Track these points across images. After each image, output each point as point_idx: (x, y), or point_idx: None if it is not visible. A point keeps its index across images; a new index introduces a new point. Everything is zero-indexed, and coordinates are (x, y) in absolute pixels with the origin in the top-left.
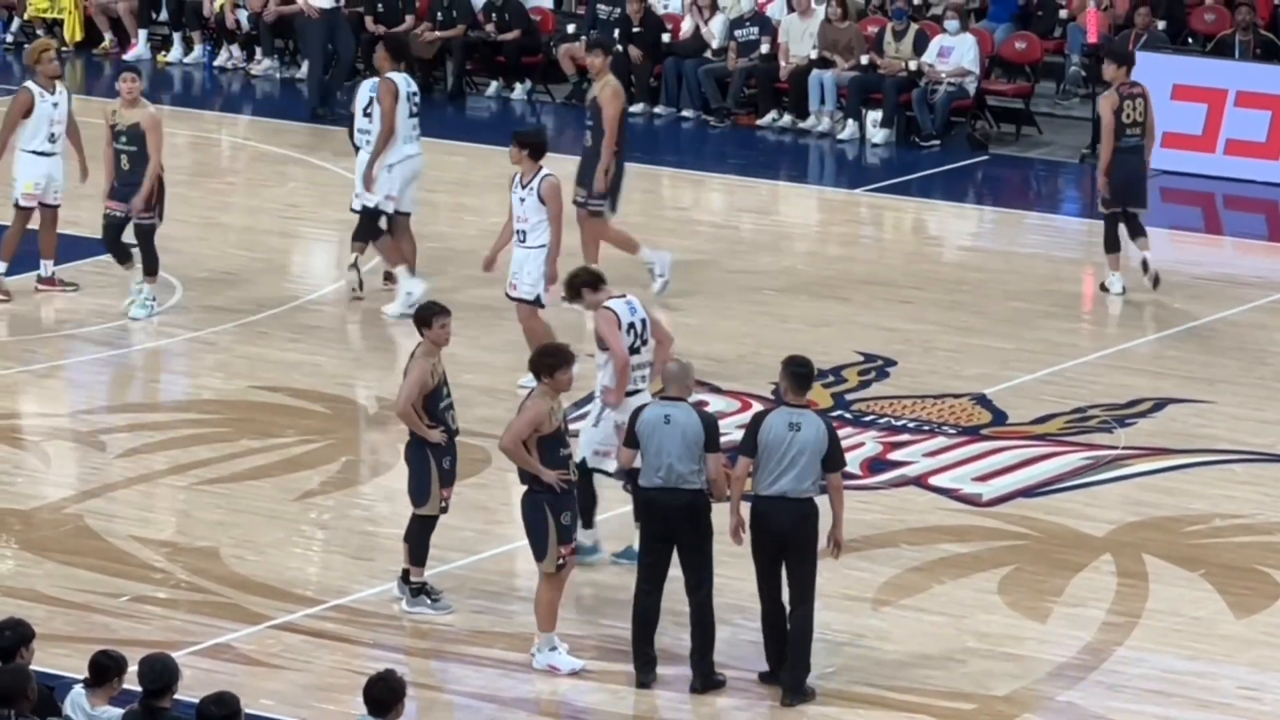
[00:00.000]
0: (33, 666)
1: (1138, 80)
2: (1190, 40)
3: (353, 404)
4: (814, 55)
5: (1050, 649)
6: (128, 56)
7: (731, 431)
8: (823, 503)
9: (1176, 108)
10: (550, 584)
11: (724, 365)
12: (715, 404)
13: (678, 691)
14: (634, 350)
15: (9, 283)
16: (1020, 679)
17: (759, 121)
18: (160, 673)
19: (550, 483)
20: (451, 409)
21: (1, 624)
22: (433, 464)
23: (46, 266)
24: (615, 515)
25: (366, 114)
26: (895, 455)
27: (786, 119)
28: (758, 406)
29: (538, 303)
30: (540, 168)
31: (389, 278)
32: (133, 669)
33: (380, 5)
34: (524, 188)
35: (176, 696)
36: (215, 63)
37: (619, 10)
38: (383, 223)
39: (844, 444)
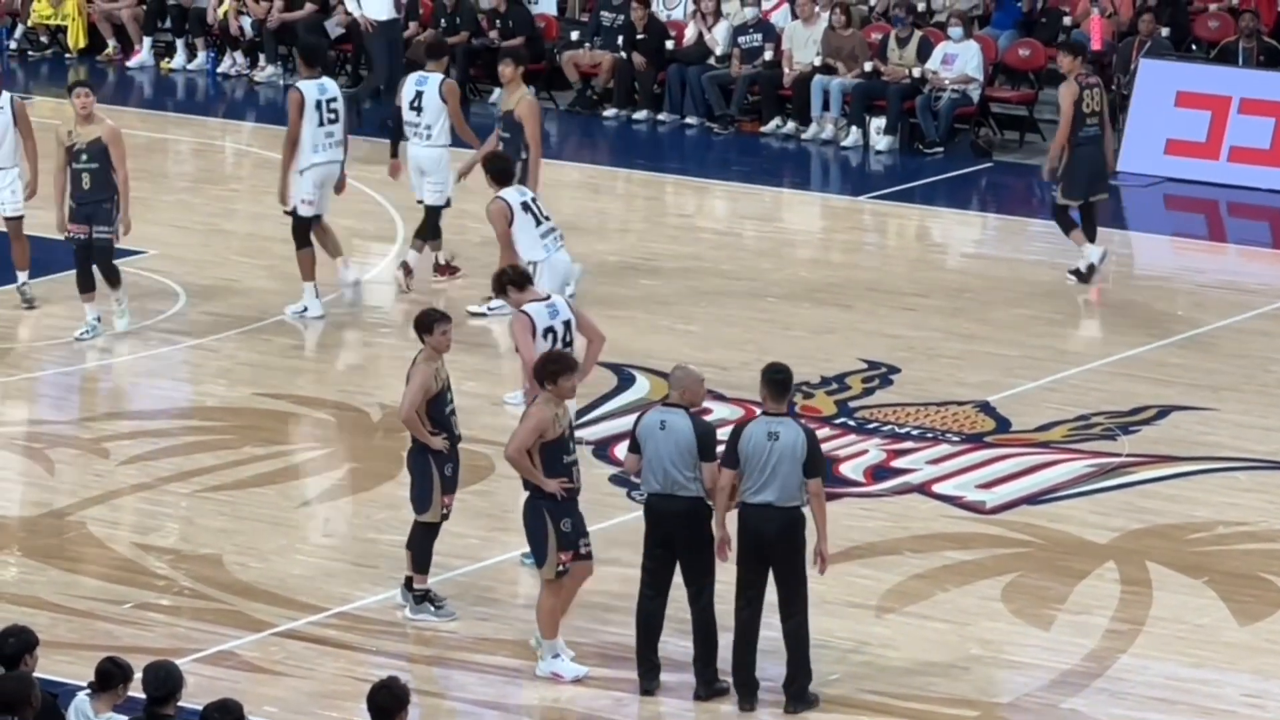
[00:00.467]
0: (36, 674)
1: (1094, 72)
2: (1194, 47)
3: (356, 411)
4: (817, 62)
5: (1054, 656)
6: (131, 63)
7: None
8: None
9: (1180, 115)
10: (551, 591)
11: (727, 373)
12: (719, 411)
13: (681, 699)
14: None
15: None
16: (1024, 686)
17: (762, 128)
18: (164, 680)
19: (552, 491)
20: (454, 415)
21: (5, 631)
22: (435, 471)
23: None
24: (617, 523)
25: (414, 107)
26: (899, 463)
27: (790, 126)
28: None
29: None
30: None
31: (441, 269)
32: (137, 676)
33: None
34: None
35: (180, 704)
36: (218, 69)
37: (623, 17)
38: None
39: (847, 452)
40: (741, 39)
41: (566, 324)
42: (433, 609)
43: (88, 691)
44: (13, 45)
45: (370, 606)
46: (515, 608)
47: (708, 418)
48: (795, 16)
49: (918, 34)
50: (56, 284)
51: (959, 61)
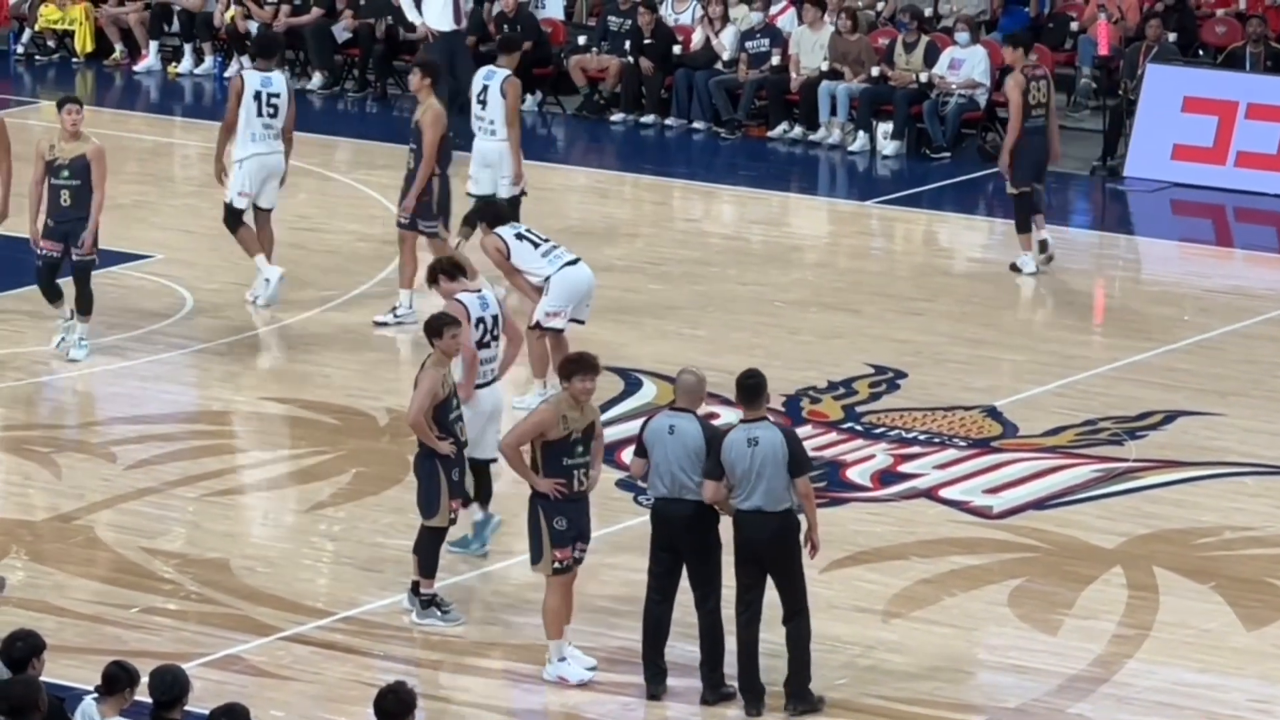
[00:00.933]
0: (42, 677)
1: (1040, 64)
2: (1201, 52)
3: (363, 415)
4: (825, 67)
5: (1061, 661)
6: (139, 68)
7: None
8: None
9: (1187, 120)
10: (552, 589)
11: (734, 377)
12: (726, 416)
13: (688, 704)
14: (483, 345)
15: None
16: (1030, 691)
17: (770, 133)
18: (171, 684)
19: (544, 490)
20: (461, 420)
21: (13, 635)
22: (442, 475)
23: None
24: (623, 527)
25: (479, 101)
26: (906, 467)
27: (797, 131)
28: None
29: (538, 327)
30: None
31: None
32: (143, 681)
33: (390, 16)
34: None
35: (187, 708)
36: (226, 74)
37: (630, 22)
38: (248, 217)
39: (854, 457)
40: (749, 44)
41: (495, 318)
42: (439, 613)
43: (94, 695)
44: (20, 50)
45: (377, 611)
46: (522, 612)
47: (715, 422)
48: (802, 21)
49: (924, 39)
50: (62, 284)
51: (966, 66)
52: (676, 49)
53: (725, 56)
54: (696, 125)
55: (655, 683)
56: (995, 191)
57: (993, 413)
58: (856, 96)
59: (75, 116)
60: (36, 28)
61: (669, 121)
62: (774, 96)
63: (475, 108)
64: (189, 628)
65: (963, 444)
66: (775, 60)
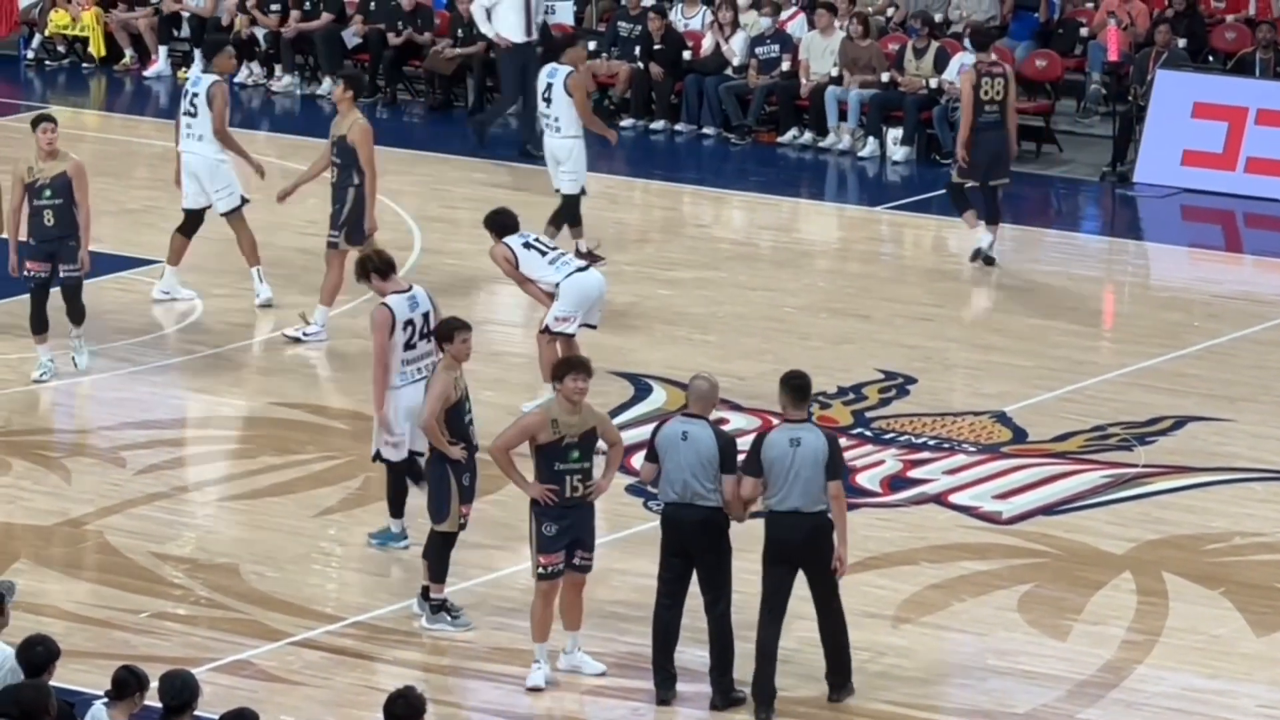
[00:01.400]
0: (52, 682)
1: (999, 62)
2: (1211, 58)
3: (373, 420)
4: (834, 73)
5: (1070, 667)
6: (148, 73)
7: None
8: None
9: (1197, 126)
10: (537, 593)
11: (745, 383)
12: (736, 421)
13: (697, 708)
14: (411, 345)
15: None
16: (1040, 697)
17: (779, 139)
18: (180, 689)
19: (533, 495)
20: (472, 425)
21: (32, 639)
22: (452, 480)
23: None
24: (633, 532)
25: (544, 98)
26: (915, 473)
27: (807, 136)
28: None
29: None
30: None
31: (582, 256)
32: (153, 685)
33: (401, 23)
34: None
35: (197, 713)
36: (235, 79)
37: (640, 27)
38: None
39: (864, 462)
40: (758, 49)
41: (425, 316)
42: (449, 619)
43: (104, 700)
44: (30, 55)
45: (386, 616)
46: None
47: (725, 427)
48: (812, 27)
49: (934, 45)
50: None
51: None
52: (686, 54)
53: (735, 62)
54: (706, 131)
55: (665, 688)
56: (1005, 197)
57: (1002, 418)
58: (866, 102)
59: (51, 135)
60: (47, 33)
61: (679, 127)
62: (784, 102)
63: (540, 105)
64: (199, 633)
65: (972, 449)
66: (785, 66)
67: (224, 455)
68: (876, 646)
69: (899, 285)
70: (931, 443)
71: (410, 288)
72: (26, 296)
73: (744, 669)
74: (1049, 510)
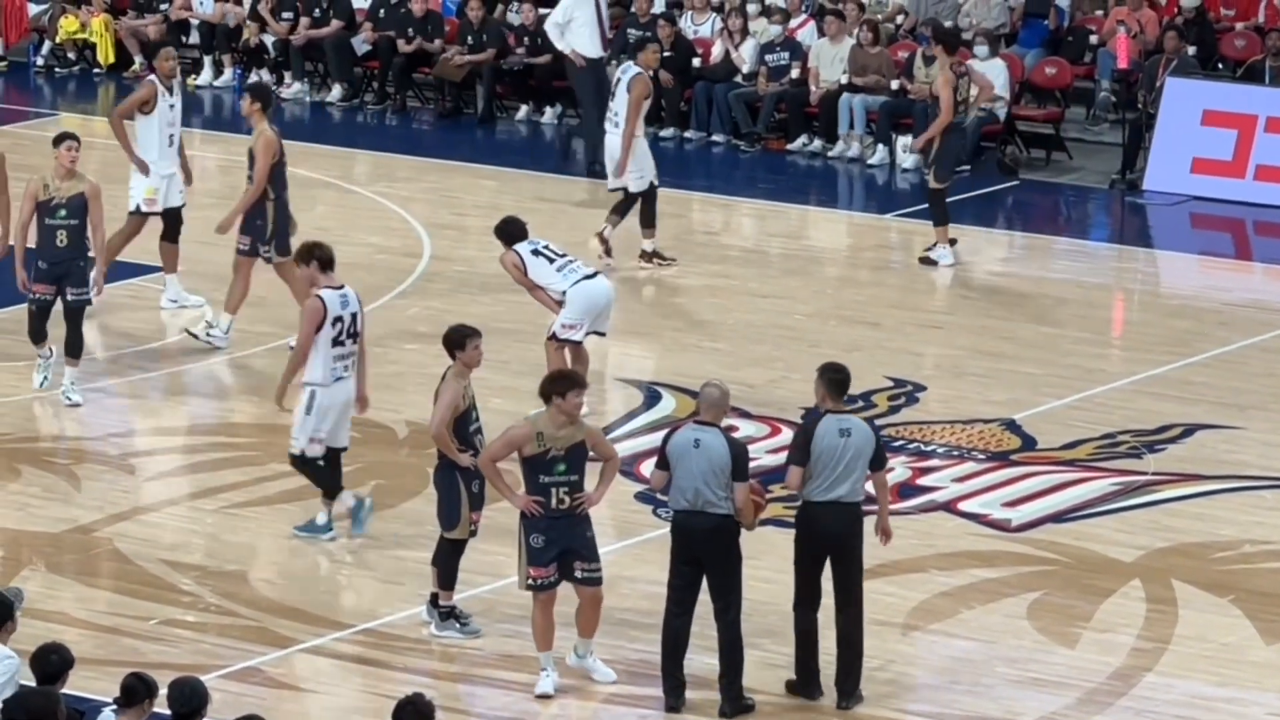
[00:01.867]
0: (62, 690)
1: (963, 62)
2: (1220, 66)
3: (382, 428)
4: (844, 80)
5: (1079, 674)
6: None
7: (761, 457)
8: None
9: (1206, 133)
10: (535, 604)
11: (754, 390)
12: (745, 429)
13: (706, 716)
14: (339, 342)
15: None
16: (1049, 704)
17: (789, 146)
18: (190, 696)
19: (517, 506)
20: (480, 433)
21: (47, 648)
22: (462, 488)
23: None
24: (643, 540)
25: (612, 94)
26: (924, 480)
27: (816, 144)
28: (787, 431)
29: (555, 339)
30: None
31: (646, 255)
32: (162, 693)
33: (411, 29)
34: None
35: None
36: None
37: (650, 34)
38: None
39: None
40: (768, 57)
41: (354, 316)
42: (458, 626)
43: (113, 708)
44: (40, 62)
45: (396, 623)
46: None
47: (734, 435)
48: (822, 34)
49: None
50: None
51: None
52: (696, 62)
53: (745, 69)
54: (716, 138)
55: (674, 695)
56: (1015, 205)
57: (1011, 426)
58: (876, 110)
59: (75, 154)
60: (57, 39)
61: (688, 134)
62: (793, 109)
63: (610, 102)
64: (208, 640)
65: (981, 457)
66: (795, 73)
67: (234, 463)
68: (885, 654)
69: (908, 293)
70: (941, 450)
71: (343, 286)
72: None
73: (754, 676)
74: (1058, 518)
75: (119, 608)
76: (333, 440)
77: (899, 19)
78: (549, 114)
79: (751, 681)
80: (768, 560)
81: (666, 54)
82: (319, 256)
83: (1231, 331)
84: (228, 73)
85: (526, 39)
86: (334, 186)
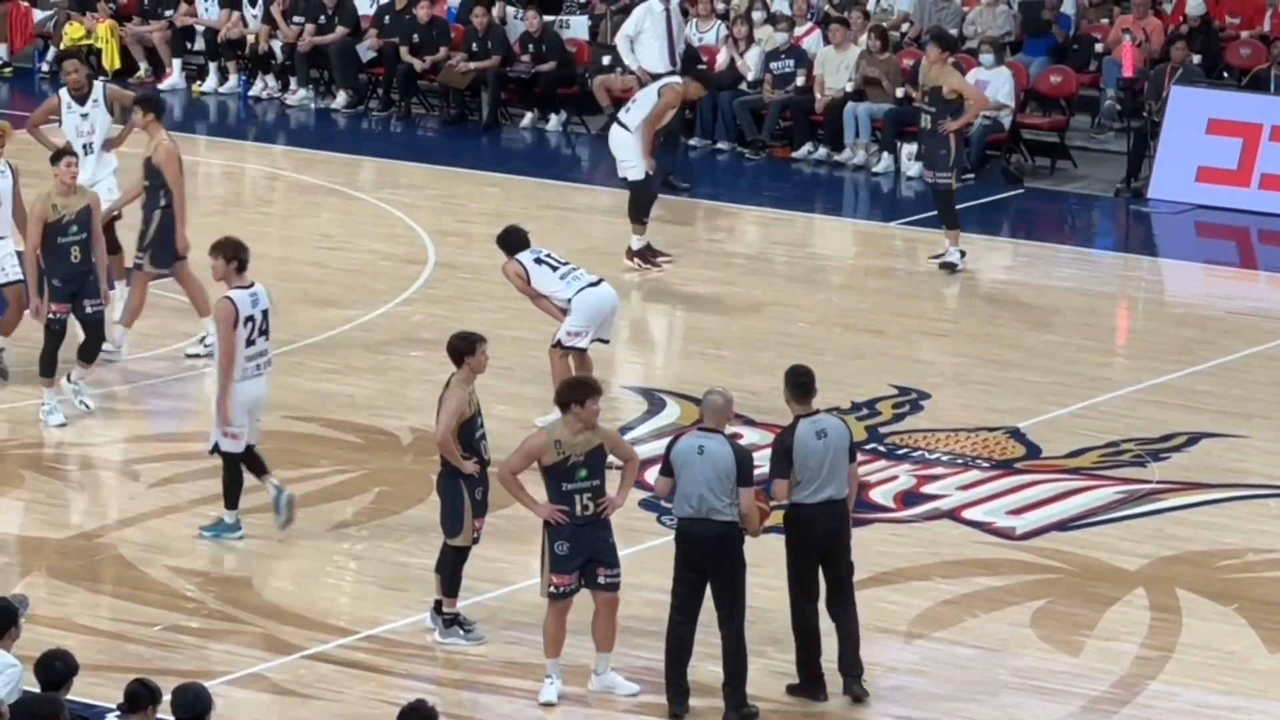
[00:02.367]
0: (67, 696)
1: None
2: (1226, 75)
3: (386, 434)
4: (849, 88)
5: (1083, 683)
6: (163, 86)
7: (764, 464)
8: None
9: (1211, 142)
10: (549, 611)
11: (758, 397)
12: (749, 436)
13: None
14: (251, 341)
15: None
16: (1053, 713)
17: (794, 154)
18: (194, 702)
19: (542, 516)
20: (485, 439)
21: (51, 654)
22: (466, 494)
23: None
24: (646, 547)
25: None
26: (929, 488)
27: (822, 152)
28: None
29: (560, 346)
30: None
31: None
32: (166, 699)
33: (416, 36)
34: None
35: None
36: (250, 92)
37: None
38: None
39: (878, 477)
40: (773, 64)
41: (264, 313)
42: (462, 632)
43: (117, 714)
44: (45, 68)
45: (399, 630)
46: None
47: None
48: (827, 42)
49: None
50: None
51: (990, 88)
52: (701, 68)
53: (750, 77)
54: (721, 146)
55: (678, 703)
56: (1020, 213)
57: (1016, 434)
58: (880, 118)
59: (75, 169)
60: (62, 46)
61: (693, 142)
62: (798, 117)
63: (631, 102)
64: (212, 646)
65: (986, 465)
66: (800, 81)
67: None
68: (889, 662)
69: (913, 300)
70: (945, 458)
71: (253, 284)
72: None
73: (758, 683)
74: (1062, 526)
75: (123, 614)
76: (250, 437)
77: (904, 27)
78: (554, 121)
79: (755, 689)
80: (772, 568)
81: None
82: (241, 258)
83: (1236, 340)
84: (233, 79)
85: (531, 46)
86: (338, 193)
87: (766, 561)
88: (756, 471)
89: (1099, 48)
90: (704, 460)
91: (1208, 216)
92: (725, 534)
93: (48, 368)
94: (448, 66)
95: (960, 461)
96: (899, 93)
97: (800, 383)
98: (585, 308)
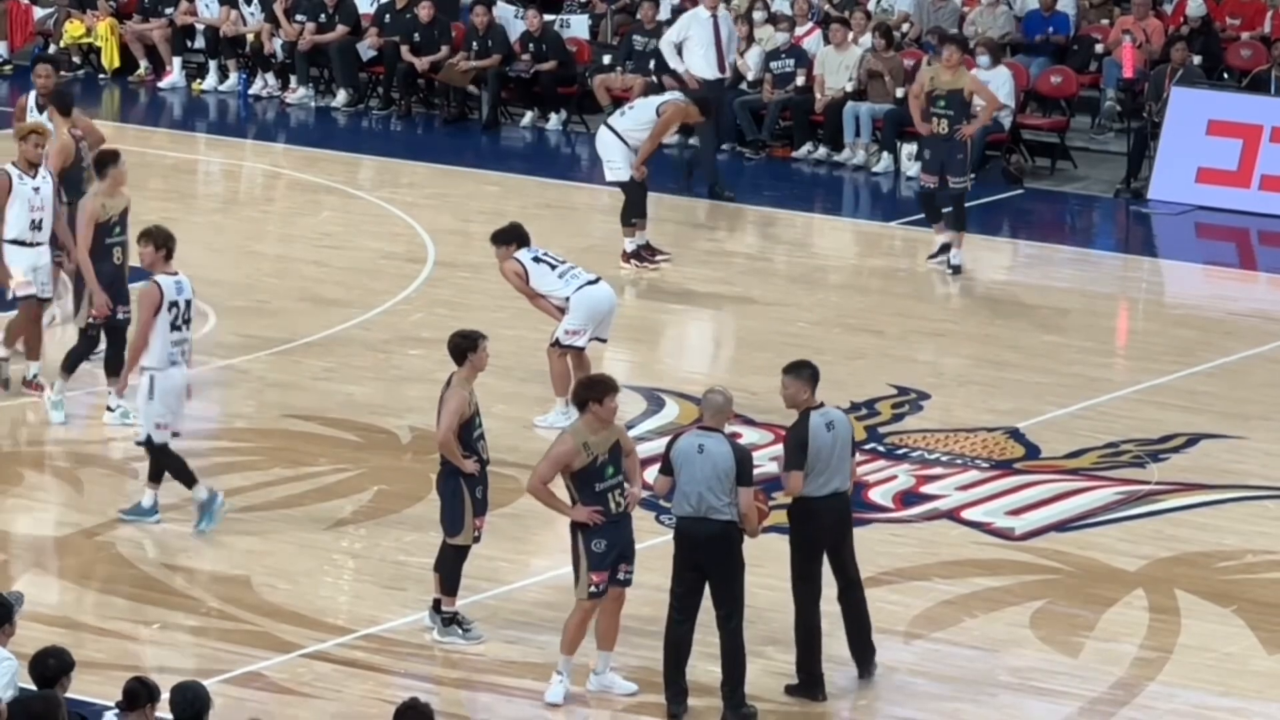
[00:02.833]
0: (64, 694)
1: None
2: (1226, 76)
3: (385, 433)
4: (850, 88)
5: (1082, 684)
6: (163, 84)
7: (765, 464)
8: None
9: (1212, 143)
10: (579, 610)
11: (758, 398)
12: (749, 436)
13: None
14: (175, 327)
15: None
16: (1052, 714)
17: (794, 154)
18: (192, 701)
19: (581, 520)
20: (483, 438)
21: (45, 652)
22: (466, 493)
23: (31, 368)
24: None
25: (637, 99)
26: (928, 489)
27: (822, 151)
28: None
29: (558, 345)
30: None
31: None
32: (164, 697)
33: (417, 35)
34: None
35: None
36: (250, 91)
37: (654, 41)
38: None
39: (877, 477)
40: (773, 64)
41: (188, 302)
42: (460, 631)
43: (115, 712)
44: None
45: (398, 628)
46: (544, 631)
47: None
48: (828, 42)
49: None
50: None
51: (990, 88)
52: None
53: (750, 76)
54: (721, 145)
55: (676, 702)
56: (1020, 213)
57: (1015, 434)
58: (881, 117)
59: (125, 168)
60: (62, 44)
61: (692, 141)
62: (798, 117)
63: (628, 107)
64: (210, 644)
65: (985, 465)
66: (800, 81)
67: (236, 467)
68: (888, 662)
69: (913, 301)
70: (944, 458)
71: (178, 273)
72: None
73: (757, 683)
74: (1061, 527)
75: (121, 611)
76: (175, 425)
77: (905, 27)
78: (554, 120)
79: (754, 689)
80: (771, 567)
81: None
82: (170, 246)
83: (1236, 341)
84: (232, 77)
85: (532, 45)
86: (338, 191)
87: (766, 561)
88: (758, 471)
89: (1099, 48)
90: (704, 459)
91: (1208, 217)
92: (724, 533)
93: (72, 364)
94: (448, 65)
95: (959, 462)
96: (899, 92)
97: (812, 375)
98: (584, 306)
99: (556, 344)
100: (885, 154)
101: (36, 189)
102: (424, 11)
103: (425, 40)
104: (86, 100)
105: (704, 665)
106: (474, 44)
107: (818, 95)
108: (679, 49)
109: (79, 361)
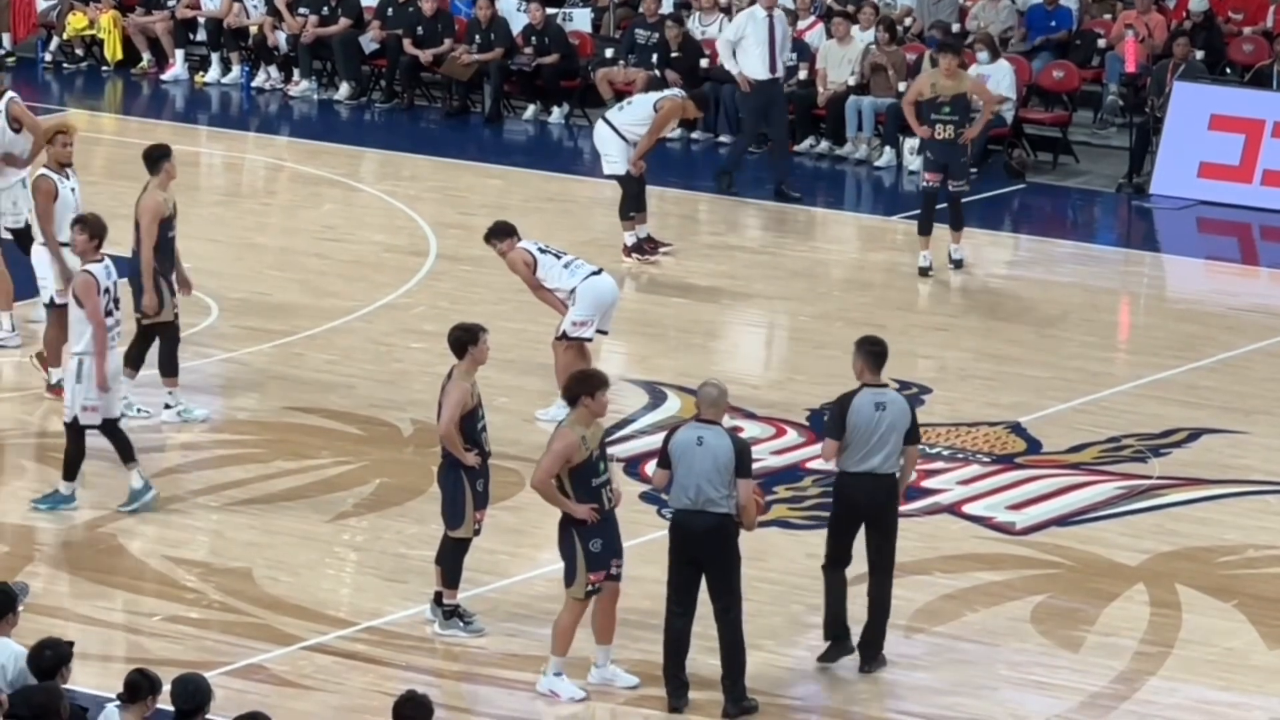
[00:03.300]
0: (65, 685)
1: None
2: (1228, 70)
3: (387, 426)
4: (852, 82)
5: (1083, 678)
6: (166, 77)
7: (766, 458)
8: None
9: (1214, 138)
10: (572, 609)
11: (759, 391)
12: (750, 430)
13: (710, 717)
14: (109, 313)
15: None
16: (1052, 708)
17: (796, 148)
18: (193, 693)
19: (582, 517)
20: (485, 430)
21: (42, 643)
22: (467, 486)
23: (55, 375)
24: (647, 540)
25: (639, 93)
26: (929, 483)
27: (824, 146)
28: (792, 432)
29: (565, 338)
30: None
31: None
32: (165, 689)
33: (420, 29)
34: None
35: (209, 717)
36: (253, 84)
37: (657, 35)
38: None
39: None
40: None
41: (115, 284)
42: (462, 624)
43: (117, 704)
44: (48, 58)
45: (399, 621)
46: (544, 624)
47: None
48: (830, 36)
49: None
50: None
51: (991, 82)
52: (704, 62)
53: None
54: (723, 139)
55: (677, 696)
56: (1021, 208)
57: (1017, 429)
58: (883, 112)
59: (174, 165)
60: (64, 36)
61: (695, 135)
62: (801, 111)
63: (627, 103)
64: (211, 636)
65: (986, 460)
66: (802, 75)
67: (238, 460)
68: (889, 656)
69: (914, 295)
70: (946, 453)
71: (104, 259)
72: (38, 297)
73: (758, 676)
74: (1062, 521)
75: (122, 604)
76: (106, 410)
77: (907, 21)
78: (556, 113)
79: (754, 683)
80: (771, 561)
81: (674, 54)
82: (102, 235)
83: (1237, 336)
84: (235, 69)
85: (534, 38)
86: (341, 184)
87: (766, 556)
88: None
89: (1102, 43)
90: (703, 452)
91: (1210, 212)
92: (720, 526)
93: (171, 366)
94: (451, 58)
95: (961, 456)
96: (901, 86)
97: (874, 352)
98: (589, 296)
99: (564, 336)
100: (887, 148)
101: (73, 189)
102: (427, 5)
103: (428, 33)
104: (89, 93)
105: (704, 659)
106: (476, 37)
107: (820, 89)
108: (735, 49)
109: (174, 359)
